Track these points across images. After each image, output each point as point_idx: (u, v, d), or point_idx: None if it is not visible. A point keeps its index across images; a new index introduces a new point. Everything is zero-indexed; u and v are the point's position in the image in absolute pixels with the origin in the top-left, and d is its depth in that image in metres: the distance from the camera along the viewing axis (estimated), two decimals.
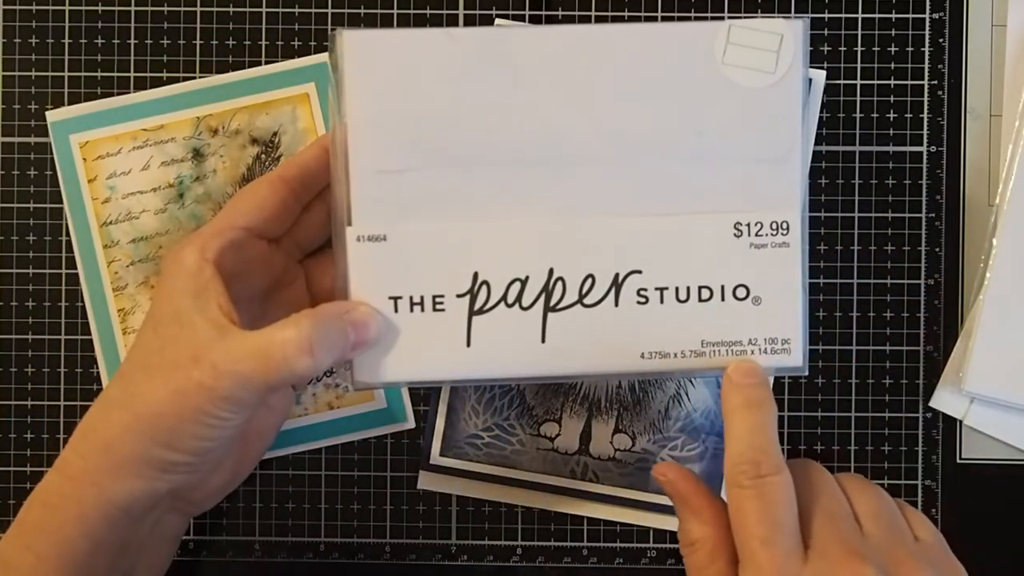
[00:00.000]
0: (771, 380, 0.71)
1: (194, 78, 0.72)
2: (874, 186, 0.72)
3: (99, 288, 0.72)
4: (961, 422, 0.72)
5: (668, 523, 0.72)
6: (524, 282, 0.58)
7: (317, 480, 0.72)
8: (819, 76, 0.72)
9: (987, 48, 0.72)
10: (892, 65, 0.72)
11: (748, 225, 0.58)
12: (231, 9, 0.72)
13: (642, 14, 0.72)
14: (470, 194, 0.58)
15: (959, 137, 0.72)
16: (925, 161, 0.72)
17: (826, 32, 0.72)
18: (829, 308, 0.72)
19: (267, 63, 0.72)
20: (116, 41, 0.72)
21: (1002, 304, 0.70)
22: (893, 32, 0.72)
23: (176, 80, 0.72)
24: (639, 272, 0.58)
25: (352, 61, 0.58)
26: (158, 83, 0.72)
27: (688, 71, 0.58)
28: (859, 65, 0.72)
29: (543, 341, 0.59)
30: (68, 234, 0.72)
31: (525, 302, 0.58)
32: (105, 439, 0.57)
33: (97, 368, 0.72)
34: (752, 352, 0.59)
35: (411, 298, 0.58)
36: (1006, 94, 0.72)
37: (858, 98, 0.72)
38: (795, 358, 0.59)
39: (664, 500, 0.71)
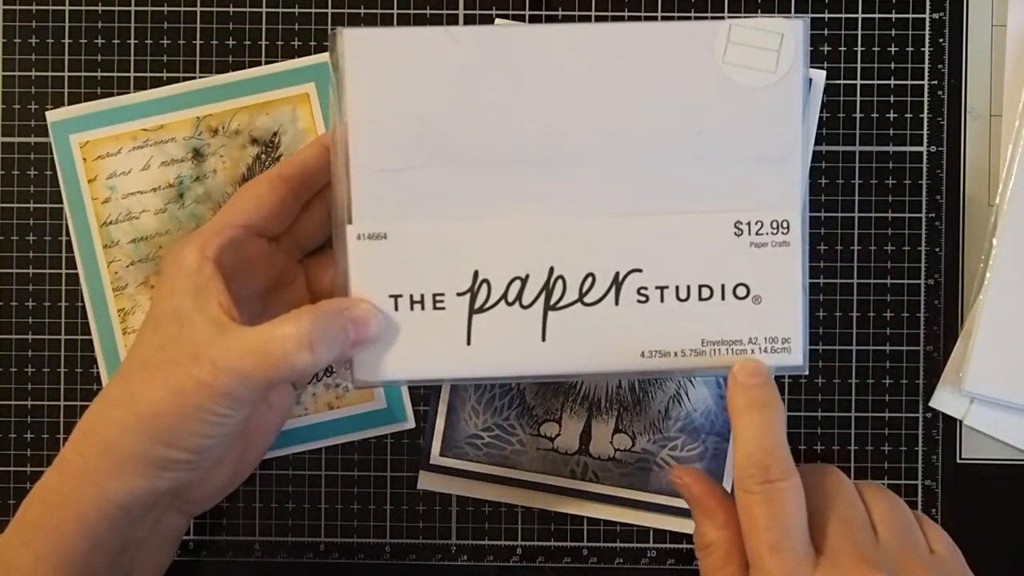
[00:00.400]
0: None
1: (194, 78, 0.72)
2: (874, 186, 0.72)
3: (99, 288, 0.72)
4: (961, 422, 0.72)
5: (668, 523, 0.72)
6: (524, 281, 0.58)
7: (317, 480, 0.72)
8: (819, 76, 0.72)
9: (987, 48, 0.72)
10: (892, 65, 0.72)
11: (748, 224, 0.58)
12: (231, 9, 0.72)
13: (642, 14, 0.72)
14: (470, 193, 0.58)
15: (959, 137, 0.72)
16: (925, 161, 0.72)
17: (826, 32, 0.72)
18: (829, 308, 0.72)
19: (267, 63, 0.72)
20: (116, 41, 0.72)
21: (1002, 304, 0.70)
22: (893, 32, 0.72)
23: (176, 80, 0.72)
24: (639, 271, 0.58)
25: (352, 60, 0.58)
26: (158, 83, 0.72)
27: (688, 70, 0.58)
28: (859, 65, 0.72)
29: (543, 340, 0.59)
30: (68, 234, 0.72)
31: (525, 301, 0.58)
32: (105, 438, 0.57)
33: (97, 368, 0.72)
34: (752, 351, 0.59)
35: (411, 296, 0.58)
36: (1006, 94, 0.72)
37: (858, 98, 0.72)
38: (795, 357, 0.59)
39: (664, 500, 0.71)
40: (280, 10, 0.72)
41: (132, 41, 0.72)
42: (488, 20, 0.72)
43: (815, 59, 0.72)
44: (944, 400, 0.72)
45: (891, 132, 0.72)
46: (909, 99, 0.72)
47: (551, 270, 0.58)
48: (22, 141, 0.72)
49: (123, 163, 0.71)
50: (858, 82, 0.72)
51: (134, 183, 0.71)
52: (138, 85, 0.72)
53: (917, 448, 0.72)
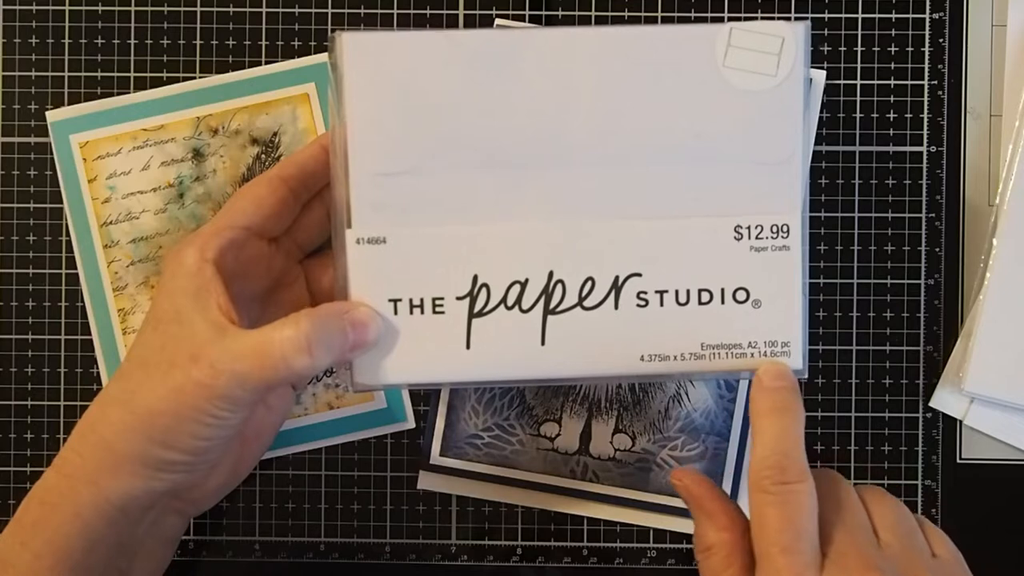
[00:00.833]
0: None
1: (194, 78, 0.72)
2: (874, 186, 0.72)
3: (99, 288, 0.72)
4: (961, 422, 0.72)
5: (668, 523, 0.72)
6: (524, 284, 0.58)
7: (317, 480, 0.72)
8: (819, 76, 0.72)
9: (987, 48, 0.72)
10: (892, 65, 0.72)
11: (748, 228, 0.58)
12: (231, 9, 0.72)
13: (642, 14, 0.72)
14: (470, 197, 0.58)
15: (959, 137, 0.72)
16: (925, 161, 0.72)
17: (826, 32, 0.72)
18: (829, 308, 0.72)
19: (267, 63, 0.72)
20: (116, 41, 0.72)
21: (1002, 304, 0.70)
22: (893, 32, 0.72)
23: (176, 80, 0.72)
24: (639, 275, 0.58)
25: (352, 64, 0.57)
26: (158, 83, 0.72)
27: (689, 74, 0.58)
28: (859, 65, 0.72)
29: (543, 343, 0.59)
30: (68, 234, 0.72)
31: (525, 304, 0.58)
32: (103, 438, 0.57)
33: (97, 368, 0.72)
34: (752, 355, 0.59)
35: (411, 300, 0.58)
36: (1006, 94, 0.72)
37: (858, 98, 0.72)
38: (795, 361, 0.59)
39: (664, 500, 0.71)
40: (280, 10, 0.72)
41: (132, 41, 0.72)
42: (488, 20, 0.72)
43: (815, 59, 0.72)
44: (944, 400, 0.72)
45: (891, 132, 0.72)
46: (909, 99, 0.72)
47: (550, 274, 0.58)
48: (22, 141, 0.72)
49: (123, 163, 0.71)
50: (858, 82, 0.72)
51: (134, 183, 0.71)
52: (138, 85, 0.72)
53: (917, 448, 0.72)
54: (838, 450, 0.72)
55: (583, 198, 0.58)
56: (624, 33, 0.58)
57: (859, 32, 0.72)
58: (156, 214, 0.72)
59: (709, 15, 0.72)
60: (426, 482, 0.72)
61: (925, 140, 0.72)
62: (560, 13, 0.72)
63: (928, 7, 0.72)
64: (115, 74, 0.72)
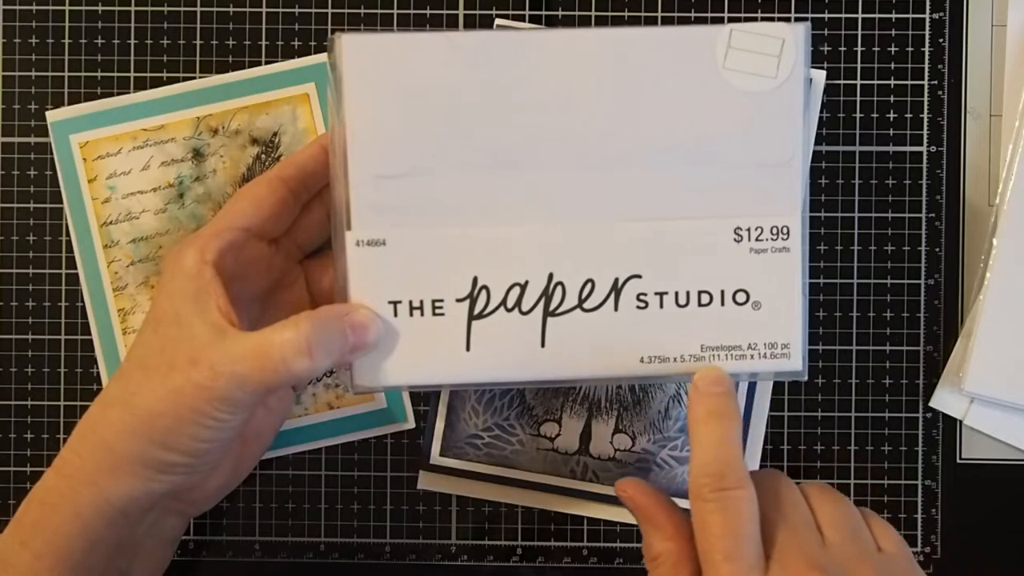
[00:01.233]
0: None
1: (194, 78, 0.72)
2: (874, 186, 0.72)
3: (99, 288, 0.72)
4: (961, 422, 0.72)
5: None
6: (524, 287, 0.58)
7: (317, 480, 0.72)
8: (819, 76, 0.71)
9: (987, 48, 0.72)
10: (892, 65, 0.72)
11: (748, 230, 0.58)
12: (231, 9, 0.72)
13: (642, 14, 0.72)
14: (469, 199, 0.58)
15: (959, 137, 0.72)
16: (925, 161, 0.72)
17: (826, 32, 0.72)
18: (829, 308, 0.72)
19: (267, 63, 0.72)
20: (116, 41, 0.72)
21: (1002, 304, 0.70)
22: (893, 32, 0.72)
23: (176, 80, 0.72)
24: (639, 277, 0.58)
25: (351, 65, 0.57)
26: (158, 83, 0.72)
27: (689, 75, 0.58)
28: (859, 65, 0.72)
29: (543, 345, 0.59)
30: (68, 234, 0.72)
31: (525, 307, 0.58)
32: (103, 438, 0.57)
33: (97, 368, 0.72)
34: (751, 356, 0.59)
35: (411, 302, 0.58)
36: (1006, 94, 0.72)
37: (858, 98, 0.72)
38: (795, 362, 0.59)
39: None
40: (280, 10, 0.72)
41: (132, 41, 0.72)
42: (488, 20, 0.72)
43: (815, 59, 0.72)
44: (944, 400, 0.72)
45: (891, 132, 0.72)
46: (909, 99, 0.72)
47: (550, 276, 0.58)
48: (22, 141, 0.72)
49: (123, 163, 0.71)
50: (858, 82, 0.72)
51: (134, 183, 0.71)
52: (138, 85, 0.72)
53: (917, 448, 0.72)
54: (838, 450, 0.72)
55: (583, 200, 0.58)
56: (624, 34, 0.58)
57: (859, 32, 0.72)
58: (156, 214, 0.72)
59: (709, 15, 0.72)
60: (426, 482, 0.72)
61: (925, 140, 0.72)
62: (560, 13, 0.72)
63: (928, 7, 0.72)
64: (115, 74, 0.72)
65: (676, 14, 0.72)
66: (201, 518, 0.72)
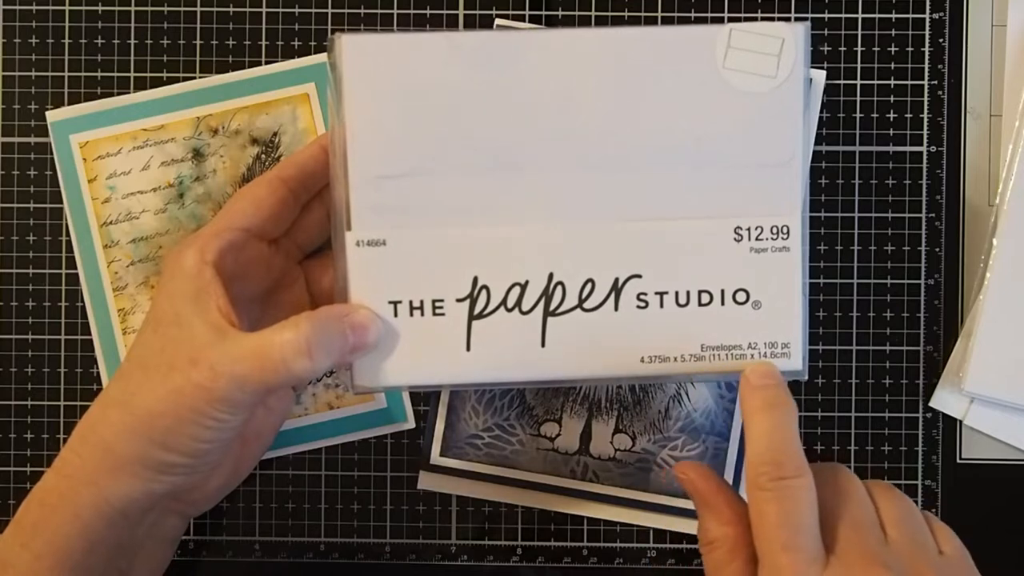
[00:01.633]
0: None
1: (194, 78, 0.72)
2: (874, 186, 0.72)
3: (99, 288, 0.72)
4: (961, 422, 0.72)
5: (668, 523, 0.72)
6: (524, 287, 0.58)
7: (317, 480, 0.72)
8: (819, 76, 0.71)
9: (987, 48, 0.72)
10: (892, 65, 0.72)
11: (748, 229, 0.58)
12: (231, 9, 0.72)
13: (642, 14, 0.72)
14: (470, 199, 0.58)
15: (959, 137, 0.72)
16: (925, 161, 0.72)
17: (826, 32, 0.72)
18: (829, 308, 0.72)
19: (267, 63, 0.72)
20: (116, 41, 0.72)
21: (1002, 304, 0.70)
22: (893, 32, 0.72)
23: (176, 80, 0.72)
24: (639, 276, 0.58)
25: (351, 66, 0.57)
26: (158, 83, 0.72)
27: (689, 75, 0.58)
28: (859, 65, 0.72)
29: (543, 345, 0.59)
30: (68, 234, 0.72)
31: (525, 306, 0.58)
32: (103, 439, 0.57)
33: (97, 368, 0.72)
34: (752, 356, 0.59)
35: (411, 302, 0.58)
36: (1006, 94, 0.72)
37: (858, 98, 0.72)
38: (795, 362, 0.59)
39: (664, 500, 0.71)
40: (280, 10, 0.72)
41: (132, 41, 0.72)
42: (488, 20, 0.72)
43: (815, 59, 0.72)
44: (944, 400, 0.72)
45: (891, 132, 0.72)
46: (909, 99, 0.72)
47: (550, 276, 0.58)
48: (22, 141, 0.72)
49: (123, 163, 0.71)
50: (858, 82, 0.72)
51: (134, 183, 0.71)
52: (138, 85, 0.72)
53: (917, 448, 0.72)
54: (838, 450, 0.72)
55: (583, 200, 0.58)
56: (624, 34, 0.58)
57: (859, 32, 0.72)
58: (156, 214, 0.71)
59: (709, 15, 0.72)
60: (426, 482, 0.72)
61: (925, 140, 0.72)
62: (560, 13, 0.72)
63: (928, 7, 0.72)
64: (115, 74, 0.72)
65: (676, 14, 0.72)
66: (201, 518, 0.72)
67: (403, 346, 0.59)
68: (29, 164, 0.72)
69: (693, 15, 0.72)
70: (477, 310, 0.59)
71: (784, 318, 0.59)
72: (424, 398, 0.72)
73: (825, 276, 0.72)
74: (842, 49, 0.72)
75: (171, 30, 0.72)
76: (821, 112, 0.72)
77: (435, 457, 0.72)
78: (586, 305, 0.59)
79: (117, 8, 0.72)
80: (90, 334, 0.72)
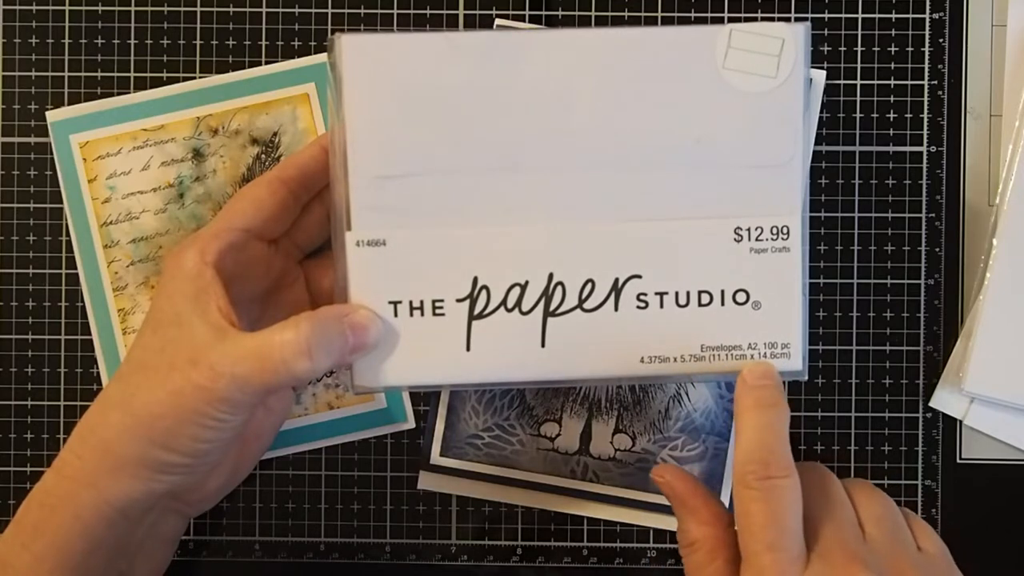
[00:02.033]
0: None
1: (194, 78, 0.72)
2: (874, 186, 0.72)
3: (99, 288, 0.72)
4: (961, 422, 0.72)
5: (668, 523, 0.72)
6: (524, 287, 0.58)
7: (317, 480, 0.72)
8: (819, 76, 0.71)
9: (987, 48, 0.72)
10: (892, 65, 0.72)
11: (748, 230, 0.58)
12: (231, 9, 0.72)
13: (642, 14, 0.72)
14: (470, 199, 0.58)
15: (959, 137, 0.72)
16: (925, 161, 0.72)
17: (826, 32, 0.72)
18: (829, 308, 0.72)
19: (267, 63, 0.72)
20: (116, 41, 0.72)
21: (1002, 304, 0.70)
22: (893, 32, 0.72)
23: (176, 80, 0.72)
24: (639, 277, 0.58)
25: (351, 66, 0.57)
26: (158, 83, 0.72)
27: (689, 75, 0.58)
28: (859, 65, 0.72)
29: (543, 346, 0.59)
30: (68, 234, 0.72)
31: (525, 307, 0.58)
32: (103, 440, 0.57)
33: (97, 368, 0.72)
34: (752, 356, 0.59)
35: (411, 303, 0.58)
36: (1006, 94, 0.72)
37: (858, 98, 0.72)
38: (794, 362, 0.59)
39: (664, 500, 0.71)
40: (280, 10, 0.72)
41: (132, 41, 0.72)
42: (488, 20, 0.72)
43: (815, 59, 0.72)
44: (944, 400, 0.72)
45: (891, 132, 0.72)
46: (909, 99, 0.72)
47: (550, 276, 0.58)
48: (22, 141, 0.72)
49: (123, 163, 0.71)
50: (858, 82, 0.72)
51: (134, 183, 0.71)
52: (138, 85, 0.72)
53: (917, 448, 0.72)
54: (838, 450, 0.72)
55: (583, 200, 0.58)
56: (624, 35, 0.58)
57: (859, 32, 0.72)
58: (156, 214, 0.71)
59: (709, 15, 0.72)
60: (426, 482, 0.72)
61: (925, 140, 0.72)
62: (560, 13, 0.72)
63: (928, 7, 0.72)
64: (115, 74, 0.72)
65: (676, 14, 0.72)
66: (201, 518, 0.72)
67: (403, 346, 0.59)
68: (29, 164, 0.72)
69: (693, 15, 0.72)
70: (477, 310, 0.58)
71: (784, 318, 0.59)
72: (424, 398, 0.72)
73: (825, 276, 0.72)
74: (842, 49, 0.72)
75: (171, 30, 0.72)
76: (821, 112, 0.72)
77: (435, 457, 0.72)
78: (586, 305, 0.59)
79: (117, 8, 0.72)
80: (90, 334, 0.72)
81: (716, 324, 0.59)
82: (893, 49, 0.72)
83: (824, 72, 0.72)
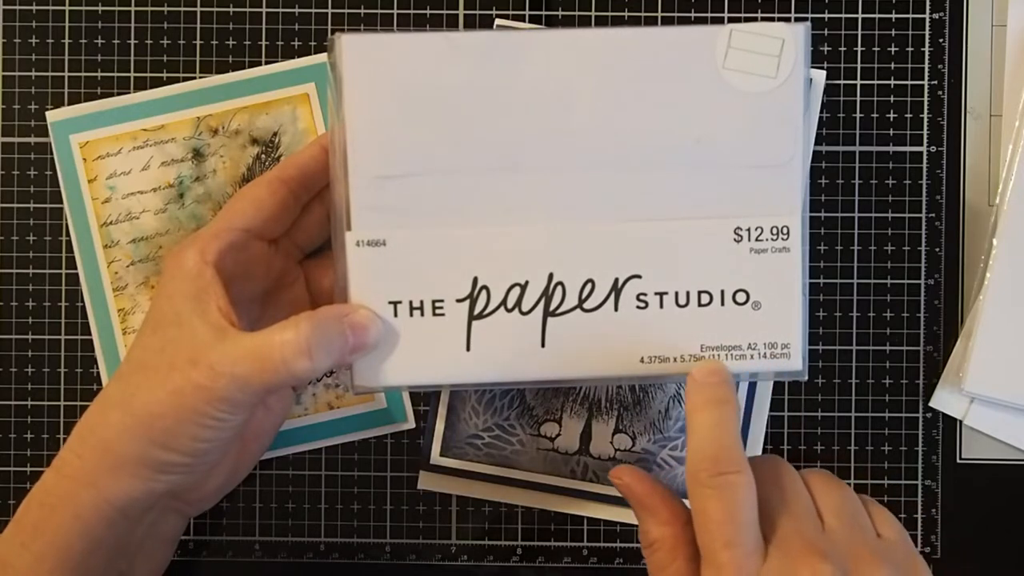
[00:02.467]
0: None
1: (194, 78, 0.72)
2: (874, 186, 0.72)
3: (99, 288, 0.72)
4: (961, 422, 0.72)
5: None
6: (524, 287, 0.58)
7: (317, 480, 0.72)
8: (819, 76, 0.71)
9: (987, 48, 0.72)
10: (892, 65, 0.72)
11: (748, 230, 0.58)
12: (231, 9, 0.72)
13: (642, 14, 0.72)
14: (470, 199, 0.58)
15: (959, 137, 0.72)
16: (925, 161, 0.72)
17: (826, 32, 0.72)
18: (829, 308, 0.72)
19: (267, 63, 0.72)
20: (116, 41, 0.72)
21: (1002, 304, 0.70)
22: (893, 32, 0.72)
23: (176, 80, 0.72)
24: (639, 277, 0.58)
25: (351, 66, 0.57)
26: (158, 83, 0.72)
27: (689, 75, 0.58)
28: (859, 65, 0.72)
29: (543, 346, 0.59)
30: (68, 234, 0.72)
31: (525, 307, 0.58)
32: (103, 439, 0.57)
33: (97, 368, 0.72)
34: (751, 356, 0.59)
35: (411, 303, 0.58)
36: (1006, 94, 0.72)
37: (858, 98, 0.72)
38: (794, 362, 0.59)
39: None
40: (280, 10, 0.72)
41: (132, 41, 0.72)
42: (488, 20, 0.72)
43: (815, 59, 0.72)
44: (944, 400, 0.72)
45: (891, 132, 0.72)
46: (909, 99, 0.72)
47: (550, 276, 0.58)
48: (22, 141, 0.72)
49: (123, 163, 0.71)
50: (858, 82, 0.72)
51: (134, 183, 0.71)
52: (138, 85, 0.72)
53: (917, 448, 0.72)
54: (838, 450, 0.72)
55: (583, 200, 0.58)
56: (624, 35, 0.58)
57: (859, 32, 0.72)
58: (156, 214, 0.72)
59: (709, 15, 0.72)
60: (426, 482, 0.72)
61: (925, 140, 0.72)
62: (560, 13, 0.72)
63: (928, 7, 0.72)
64: (115, 74, 0.72)
65: (676, 14, 0.72)
66: (201, 518, 0.72)
67: (403, 346, 0.59)
68: (29, 164, 0.72)
69: (693, 15, 0.72)
70: (477, 310, 0.58)
71: (784, 319, 0.59)
72: (424, 398, 0.72)
73: (825, 276, 0.72)
74: (842, 49, 0.72)
75: (171, 30, 0.72)
76: (821, 112, 0.72)
77: (435, 457, 0.72)
78: (586, 305, 0.59)
79: (117, 8, 0.72)
80: (90, 334, 0.72)
81: (716, 324, 0.59)
82: (893, 49, 0.72)
83: (824, 72, 0.72)
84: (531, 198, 0.58)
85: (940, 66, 0.72)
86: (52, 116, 0.72)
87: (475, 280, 0.58)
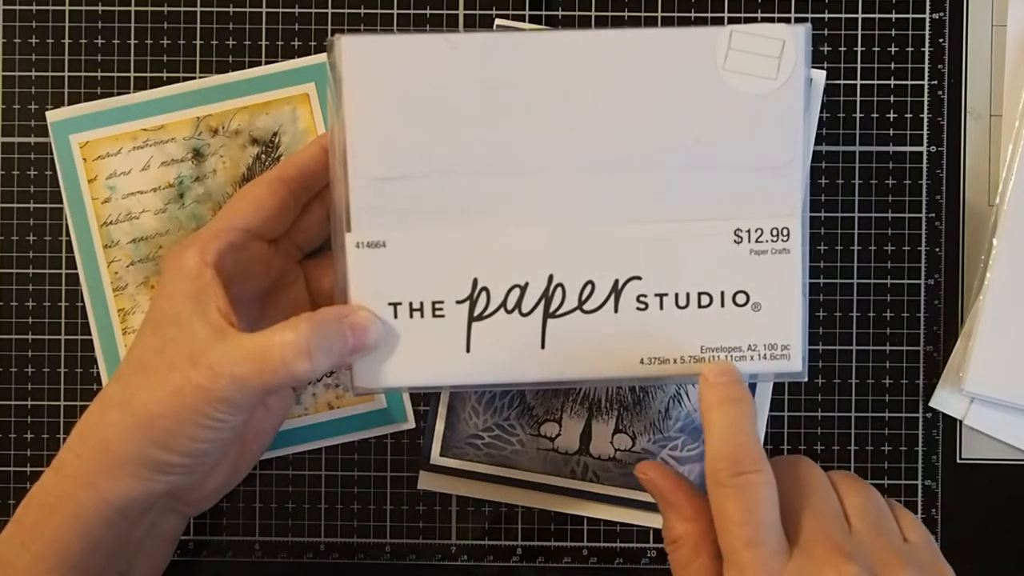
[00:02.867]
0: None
1: (194, 78, 0.72)
2: (874, 186, 0.72)
3: (99, 288, 0.72)
4: (961, 422, 0.72)
5: None
6: (524, 288, 0.58)
7: (317, 480, 0.72)
8: (819, 76, 0.71)
9: (987, 48, 0.72)
10: (892, 65, 0.72)
11: (748, 232, 0.58)
12: (231, 9, 0.72)
13: (642, 15, 0.72)
14: (469, 200, 0.58)
15: (959, 137, 0.72)
16: (925, 161, 0.72)
17: (826, 32, 0.72)
18: (829, 308, 0.72)
19: (267, 63, 0.72)
20: (116, 41, 0.72)
21: (1002, 304, 0.70)
22: (893, 32, 0.72)
23: (176, 80, 0.72)
24: (639, 278, 0.58)
25: (351, 67, 0.57)
26: (158, 83, 0.72)
27: (689, 76, 0.58)
28: (859, 65, 0.72)
29: (543, 347, 0.59)
30: (68, 234, 0.72)
31: (525, 308, 0.58)
32: (102, 439, 0.57)
33: (97, 368, 0.72)
34: (752, 358, 0.59)
35: (411, 304, 0.58)
36: (1006, 94, 0.72)
37: (858, 98, 0.72)
38: (795, 363, 0.59)
39: None
40: (280, 10, 0.72)
41: (132, 41, 0.72)
42: (488, 21, 0.72)
43: (815, 59, 0.72)
44: (944, 400, 0.72)
45: (891, 132, 0.72)
46: (909, 99, 0.72)
47: (550, 278, 0.58)
48: (22, 141, 0.72)
49: (123, 163, 0.71)
50: (858, 82, 0.72)
51: (134, 183, 0.71)
52: (138, 85, 0.72)
53: (917, 448, 0.72)
54: (838, 450, 0.72)
55: (583, 201, 0.58)
56: (624, 35, 0.58)
57: (859, 32, 0.72)
58: (156, 214, 0.71)
59: (709, 16, 0.72)
60: (426, 482, 0.72)
61: (925, 140, 0.72)
62: (560, 14, 0.72)
63: (928, 7, 0.72)
64: (115, 74, 0.72)
65: (676, 14, 0.72)
66: (201, 518, 0.72)
67: (403, 347, 0.59)
68: (29, 164, 0.72)
69: (693, 15, 0.72)
70: (477, 312, 0.58)
71: (784, 320, 0.59)
72: (424, 398, 0.72)
73: (825, 276, 0.72)
74: (842, 49, 0.72)
75: (171, 30, 0.72)
76: (821, 112, 0.72)
77: (435, 457, 0.72)
78: (586, 307, 0.59)
79: (117, 8, 0.72)
80: (90, 334, 0.72)
81: (716, 325, 0.59)
82: (893, 49, 0.72)
83: (824, 72, 0.72)
84: (531, 199, 0.58)
85: (940, 66, 0.72)
86: (52, 116, 0.72)
87: (475, 281, 0.58)
